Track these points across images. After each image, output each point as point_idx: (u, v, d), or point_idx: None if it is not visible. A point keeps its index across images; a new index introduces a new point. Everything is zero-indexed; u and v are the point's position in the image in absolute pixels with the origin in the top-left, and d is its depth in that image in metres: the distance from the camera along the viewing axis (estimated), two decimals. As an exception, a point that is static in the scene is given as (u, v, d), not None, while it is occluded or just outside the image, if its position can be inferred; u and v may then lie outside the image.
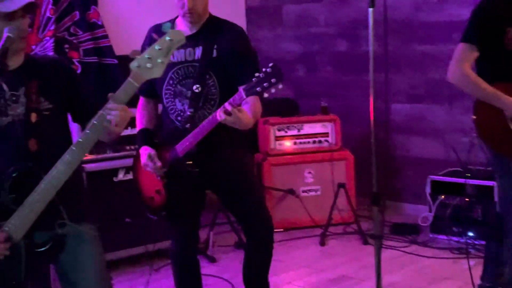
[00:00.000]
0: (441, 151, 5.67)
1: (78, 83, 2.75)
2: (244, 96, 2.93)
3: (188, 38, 3.12)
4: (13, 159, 2.52)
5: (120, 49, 5.39)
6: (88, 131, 2.43)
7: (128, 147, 4.65)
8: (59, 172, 2.43)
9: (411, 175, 5.88)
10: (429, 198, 5.17)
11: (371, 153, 3.25)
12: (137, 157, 3.39)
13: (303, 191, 5.58)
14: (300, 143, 5.66)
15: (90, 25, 5.34)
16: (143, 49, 3.29)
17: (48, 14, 5.11)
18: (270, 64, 2.88)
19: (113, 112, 2.40)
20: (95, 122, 2.42)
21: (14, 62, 2.58)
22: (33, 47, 5.04)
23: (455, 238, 4.98)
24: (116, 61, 5.34)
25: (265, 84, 2.87)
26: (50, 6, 5.12)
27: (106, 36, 5.39)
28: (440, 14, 5.59)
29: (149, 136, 3.36)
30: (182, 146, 3.18)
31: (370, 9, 3.00)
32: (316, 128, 5.66)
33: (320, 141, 5.66)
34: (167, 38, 2.39)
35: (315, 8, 6.42)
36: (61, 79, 2.66)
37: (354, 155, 5.62)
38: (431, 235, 5.13)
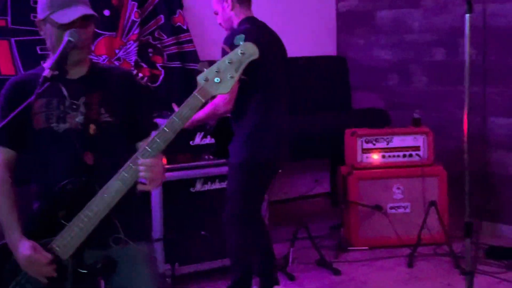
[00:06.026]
0: (544, 170, 5.24)
1: (141, 100, 2.61)
2: None
3: None
4: (67, 171, 2.37)
5: (205, 54, 5.26)
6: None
7: (206, 157, 4.48)
8: (114, 189, 2.27)
9: (510, 195, 5.45)
10: (529, 221, 4.78)
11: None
12: None
13: (391, 208, 5.26)
14: (389, 156, 5.34)
15: (175, 29, 5.24)
16: None
17: (132, 17, 5.02)
18: None
19: (141, 167, 2.26)
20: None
21: (77, 72, 2.46)
22: (116, 51, 4.96)
23: (557, 266, 4.57)
24: (200, 67, 5.21)
25: None
26: (135, 9, 5.03)
27: (190, 41, 5.27)
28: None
29: None
30: None
31: (467, 15, 2.69)
32: (407, 141, 5.33)
33: (410, 155, 5.32)
34: (239, 51, 2.20)
35: (411, 13, 6.09)
36: (126, 92, 2.52)
37: (448, 171, 5.25)
38: (530, 262, 4.72)
